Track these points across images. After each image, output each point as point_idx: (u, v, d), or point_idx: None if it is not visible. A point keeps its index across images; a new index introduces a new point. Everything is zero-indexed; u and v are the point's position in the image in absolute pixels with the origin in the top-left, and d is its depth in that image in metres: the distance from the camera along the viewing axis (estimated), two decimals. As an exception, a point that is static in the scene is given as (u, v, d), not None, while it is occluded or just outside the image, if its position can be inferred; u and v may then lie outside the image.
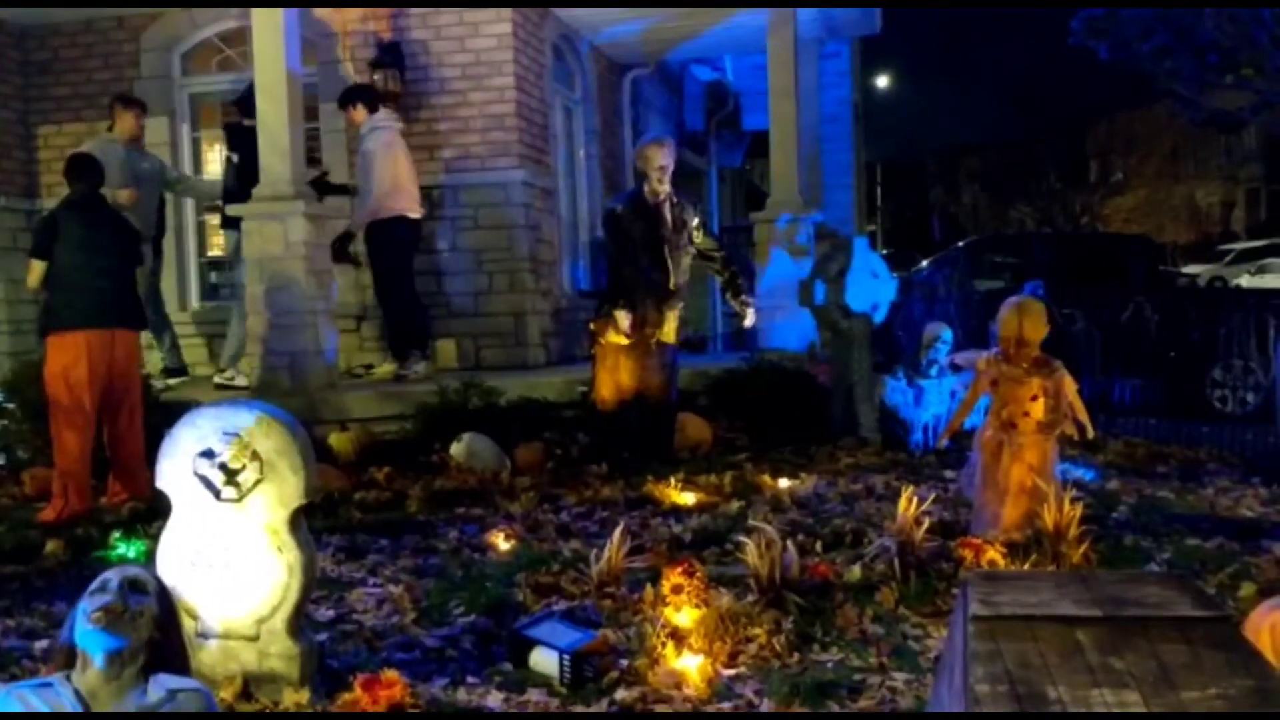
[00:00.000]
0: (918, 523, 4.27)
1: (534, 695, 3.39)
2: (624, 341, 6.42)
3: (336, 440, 6.74)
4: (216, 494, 3.31)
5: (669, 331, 6.55)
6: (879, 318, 7.20)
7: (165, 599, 2.55)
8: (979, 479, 4.77)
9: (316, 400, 7.08)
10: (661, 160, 6.39)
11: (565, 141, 10.29)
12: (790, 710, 3.22)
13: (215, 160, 9.85)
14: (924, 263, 14.59)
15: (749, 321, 6.85)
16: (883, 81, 28.82)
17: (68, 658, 2.45)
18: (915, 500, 4.32)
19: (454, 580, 4.53)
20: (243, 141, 7.68)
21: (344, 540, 5.11)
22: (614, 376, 6.57)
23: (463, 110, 8.88)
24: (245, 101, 7.74)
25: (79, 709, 2.34)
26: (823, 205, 10.90)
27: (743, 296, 6.75)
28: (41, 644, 3.88)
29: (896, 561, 4.16)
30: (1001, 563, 4.26)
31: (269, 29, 7.20)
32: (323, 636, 3.81)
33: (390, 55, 8.72)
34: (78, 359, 5.74)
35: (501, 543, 5.01)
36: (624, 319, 6.34)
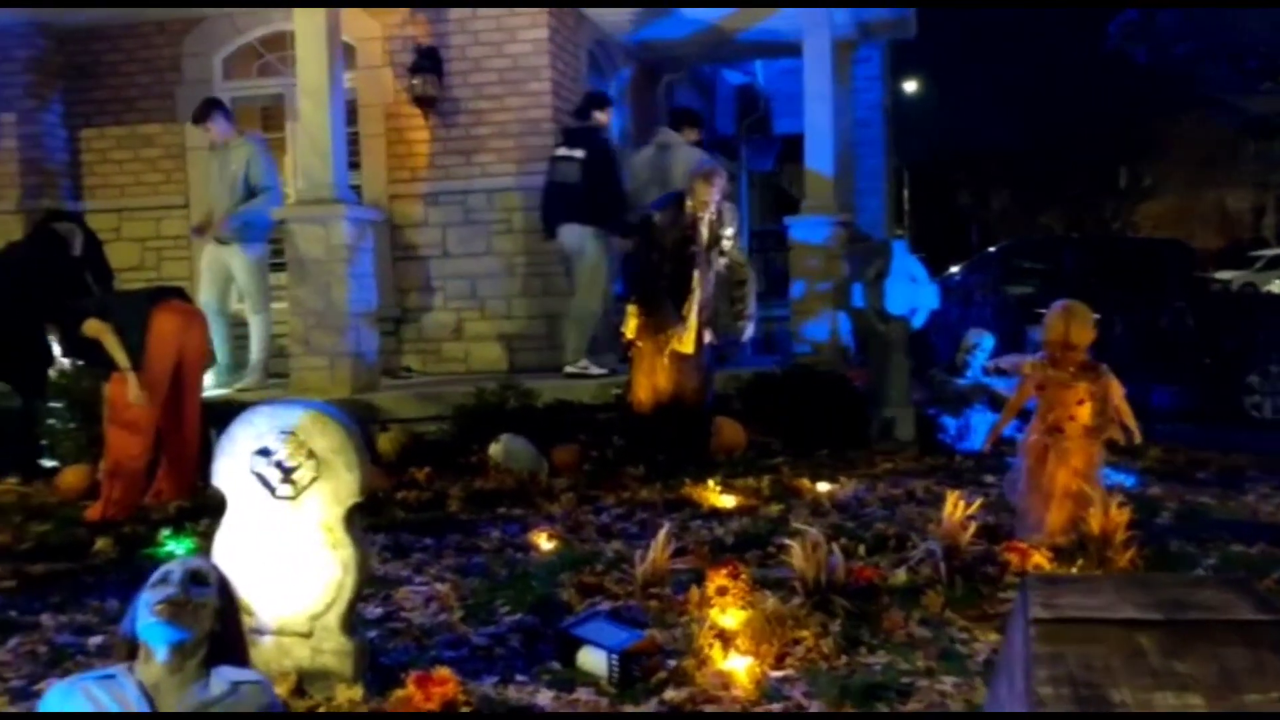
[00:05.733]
0: (963, 526, 4.27)
1: (583, 694, 3.40)
2: (677, 346, 6.43)
3: (379, 441, 6.80)
4: (272, 491, 3.35)
5: (687, 341, 6.55)
6: (918, 322, 7.19)
7: (226, 590, 2.57)
8: (1023, 483, 4.76)
9: (357, 401, 7.14)
10: (708, 197, 6.42)
11: (600, 146, 10.31)
12: (842, 711, 3.23)
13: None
14: (955, 268, 14.53)
15: (745, 336, 6.88)
16: (912, 86, 28.71)
17: (130, 649, 2.46)
18: (961, 504, 4.32)
19: (498, 579, 4.57)
20: None
21: (388, 539, 5.15)
22: (650, 380, 6.60)
23: (499, 115, 8.94)
24: None
25: (143, 702, 2.35)
26: (855, 210, 10.89)
27: (746, 310, 6.75)
28: (95, 640, 3.94)
29: (942, 565, 4.17)
30: (1047, 567, 4.25)
31: (312, 34, 7.28)
32: (372, 634, 3.85)
33: (428, 60, 8.79)
34: (163, 344, 5.84)
35: (544, 542, 5.04)
36: (634, 319, 6.38)
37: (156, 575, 2.48)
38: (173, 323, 5.92)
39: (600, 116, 8.16)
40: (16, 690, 3.51)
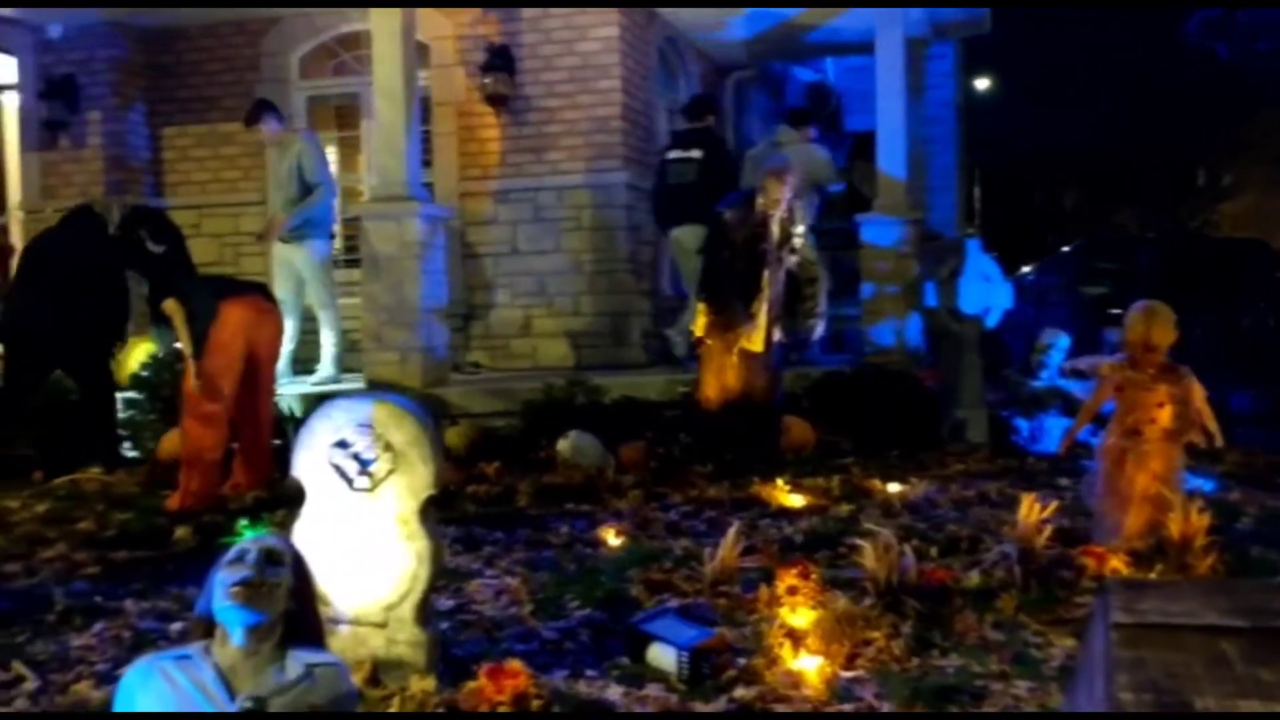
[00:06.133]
0: (1039, 529, 4.21)
1: (653, 690, 3.41)
2: (746, 344, 6.42)
3: (448, 435, 6.88)
4: (350, 483, 3.40)
5: (757, 340, 6.52)
6: (991, 322, 7.10)
7: (300, 568, 2.55)
8: (1100, 487, 4.68)
9: (427, 395, 7.23)
10: (780, 194, 6.39)
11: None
12: (913, 711, 3.20)
13: (329, 163, 10.11)
14: (1027, 267, 14.31)
15: (815, 335, 6.84)
16: (985, 83, 28.28)
17: (206, 628, 2.45)
18: (1036, 506, 4.26)
19: (568, 574, 4.59)
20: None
21: (459, 531, 5.20)
22: (718, 378, 6.58)
23: (569, 113, 8.99)
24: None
25: (219, 685, 2.35)
26: (927, 208, 10.76)
27: (816, 309, 6.71)
28: (176, 626, 4.03)
29: (1017, 568, 4.11)
30: (1125, 571, 4.18)
31: (387, 33, 7.39)
32: (444, 625, 3.89)
33: (500, 59, 8.86)
34: (232, 336, 5.98)
35: (612, 538, 5.06)
36: (703, 317, 6.38)
37: (232, 554, 2.47)
38: (241, 317, 6.05)
39: (710, 119, 8.34)
40: (102, 674, 3.60)
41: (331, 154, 10.04)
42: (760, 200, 6.45)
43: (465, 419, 7.18)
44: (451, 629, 3.94)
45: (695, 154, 7.94)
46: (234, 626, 2.37)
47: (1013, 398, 7.23)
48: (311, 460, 3.45)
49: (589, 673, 3.54)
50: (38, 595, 4.43)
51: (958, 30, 11.30)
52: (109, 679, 3.54)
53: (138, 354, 7.71)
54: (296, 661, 2.41)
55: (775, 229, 6.45)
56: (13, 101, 10.01)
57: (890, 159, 8.42)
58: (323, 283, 8.25)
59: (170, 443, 6.52)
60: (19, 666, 3.70)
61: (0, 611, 4.26)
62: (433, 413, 6.92)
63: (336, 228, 8.91)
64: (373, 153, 8.59)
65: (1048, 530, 4.30)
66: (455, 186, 9.17)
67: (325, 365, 8.29)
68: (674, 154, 8.17)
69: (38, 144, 9.69)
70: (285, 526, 3.77)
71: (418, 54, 8.07)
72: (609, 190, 8.96)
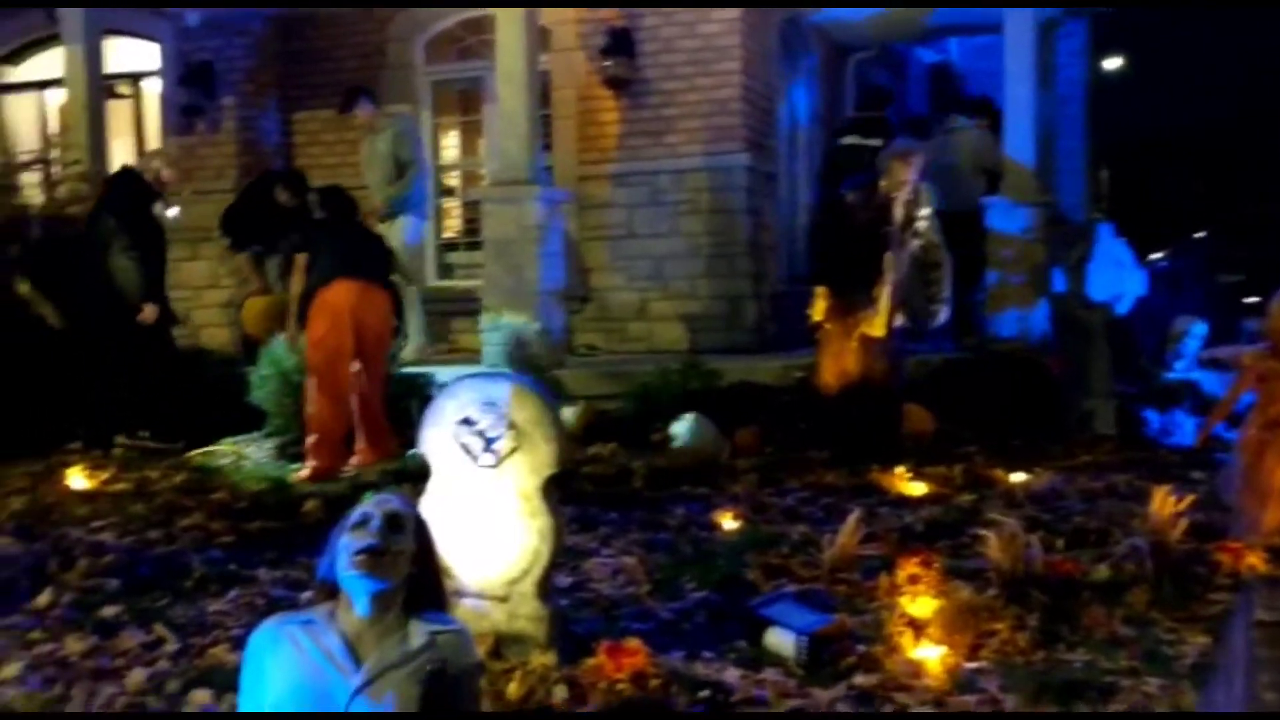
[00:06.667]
0: (1172, 523, 4.07)
1: (770, 674, 3.40)
2: (867, 329, 6.34)
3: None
4: (475, 460, 3.47)
5: (878, 325, 6.41)
6: (1122, 309, 6.87)
7: (422, 533, 2.50)
8: (1238, 481, 4.50)
9: (543, 377, 7.31)
10: (905, 177, 6.27)
11: (787, 125, 10.23)
12: (1038, 711, 3.13)
13: (452, 146, 10.31)
14: (1158, 253, 13.80)
15: (939, 320, 6.67)
16: (1115, 63, 27.31)
17: (329, 592, 2.44)
18: (1170, 500, 4.12)
19: (684, 556, 4.61)
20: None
21: (575, 511, 5.24)
22: (838, 362, 6.49)
23: (689, 95, 8.97)
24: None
25: (345, 653, 2.33)
26: (1055, 191, 10.45)
27: (940, 294, 6.55)
28: (307, 595, 4.16)
29: (1149, 562, 3.98)
30: (1262, 568, 4.02)
31: (511, 18, 7.48)
32: (563, 602, 3.94)
33: (620, 42, 8.88)
34: (337, 315, 6.17)
35: (727, 522, 5.06)
36: (822, 300, 6.30)
37: (355, 517, 2.42)
38: (343, 295, 6.26)
39: (887, 109, 8.31)
40: (237, 639, 3.73)
41: (454, 138, 10.25)
42: (884, 182, 6.35)
43: (581, 400, 7.24)
44: (570, 606, 3.99)
45: (874, 142, 7.80)
46: (359, 595, 2.35)
47: (1143, 389, 6.98)
48: (438, 437, 3.53)
49: (706, 654, 3.55)
50: (177, 562, 4.63)
51: (1090, 5, 10.90)
52: (243, 644, 3.66)
53: (255, 311, 8.02)
54: (420, 631, 2.39)
55: (899, 211, 6.33)
56: (155, 88, 10.41)
57: (1017, 144, 8.17)
58: (409, 259, 8.38)
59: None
60: (160, 629, 3.87)
61: (142, 576, 4.47)
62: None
63: (427, 208, 9.06)
64: (494, 137, 8.70)
65: (1182, 524, 4.16)
66: (574, 170, 9.23)
67: (412, 338, 8.44)
68: (849, 139, 8.03)
69: (177, 129, 10.07)
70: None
71: (539, 38, 8.13)
72: (728, 173, 8.91)
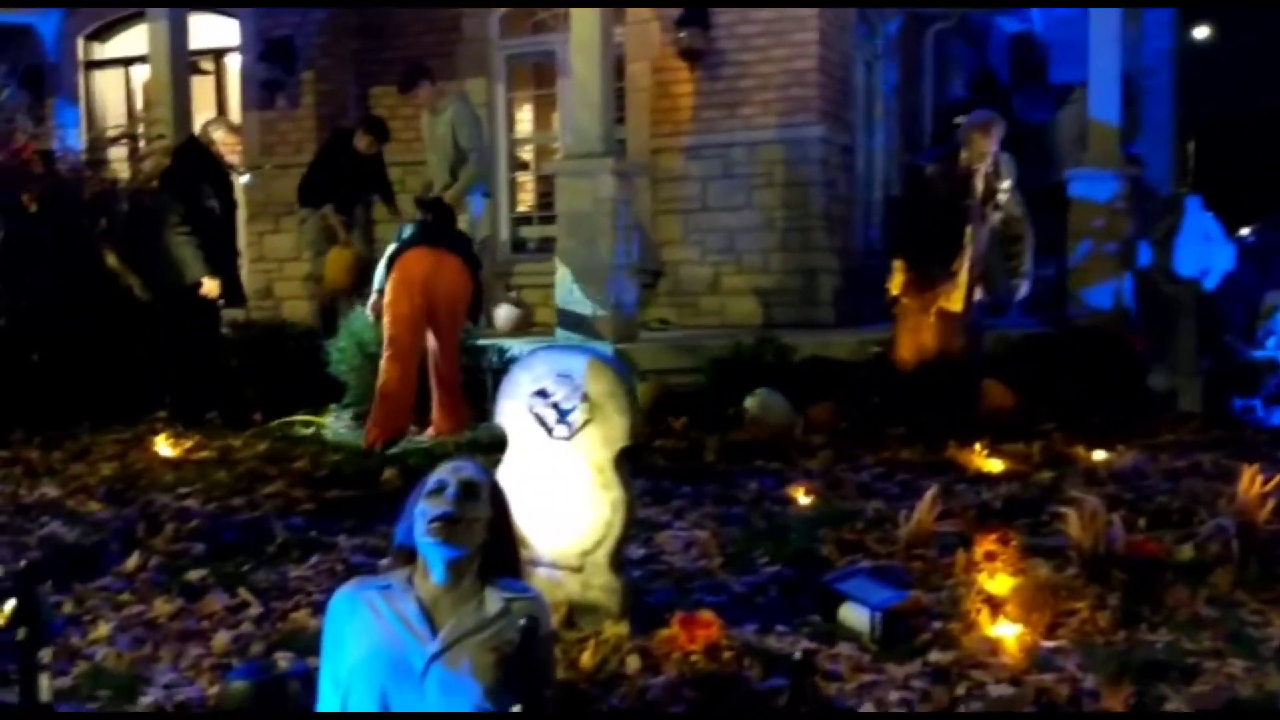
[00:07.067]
0: (1260, 503, 3.96)
1: (844, 649, 3.38)
2: (945, 304, 6.25)
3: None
4: (549, 431, 3.49)
5: (956, 299, 6.32)
6: (1209, 284, 6.67)
7: (498, 499, 2.51)
8: (1331, 461, 4.37)
9: (616, 351, 7.32)
10: (985, 148, 6.15)
11: (864, 97, 10.09)
12: (1118, 691, 3.07)
13: (525, 120, 10.33)
14: (1246, 228, 13.38)
15: (1020, 295, 6.55)
16: (1203, 32, 26.44)
17: (406, 557, 2.47)
18: (1258, 479, 4.01)
19: (757, 530, 4.60)
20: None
21: (649, 484, 5.25)
22: (915, 337, 6.43)
23: (764, 66, 8.88)
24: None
25: (421, 620, 2.35)
26: (1141, 164, 10.18)
27: (1022, 268, 6.43)
28: (385, 562, 4.23)
29: (1235, 543, 3.88)
30: (1356, 553, 3.89)
31: (585, -11, 7.45)
32: (636, 573, 3.95)
33: (696, 13, 8.81)
34: (410, 283, 6.26)
35: (801, 497, 5.03)
36: (900, 274, 6.22)
37: (431, 483, 2.44)
38: (418, 264, 6.34)
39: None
40: (318, 604, 3.81)
41: (527, 112, 10.27)
42: (964, 154, 6.23)
43: (652, 374, 7.24)
44: (643, 578, 4.01)
45: None
46: (435, 562, 2.38)
47: (1231, 366, 6.79)
48: (513, 408, 3.56)
49: (779, 628, 3.54)
50: (259, 528, 4.74)
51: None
52: (324, 609, 3.73)
53: (338, 263, 8.16)
54: (495, 598, 2.39)
55: (980, 184, 6.22)
56: (236, 63, 10.59)
57: (1103, 107, 7.95)
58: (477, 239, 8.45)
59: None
60: (244, 593, 3.97)
61: (226, 542, 4.59)
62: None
63: (488, 186, 9.14)
64: (568, 110, 8.70)
65: (1270, 505, 4.05)
66: (647, 143, 9.21)
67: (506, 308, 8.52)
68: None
69: (257, 104, 10.23)
70: (484, 471, 3.90)
71: (614, 9, 8.11)
72: (803, 145, 8.82)
